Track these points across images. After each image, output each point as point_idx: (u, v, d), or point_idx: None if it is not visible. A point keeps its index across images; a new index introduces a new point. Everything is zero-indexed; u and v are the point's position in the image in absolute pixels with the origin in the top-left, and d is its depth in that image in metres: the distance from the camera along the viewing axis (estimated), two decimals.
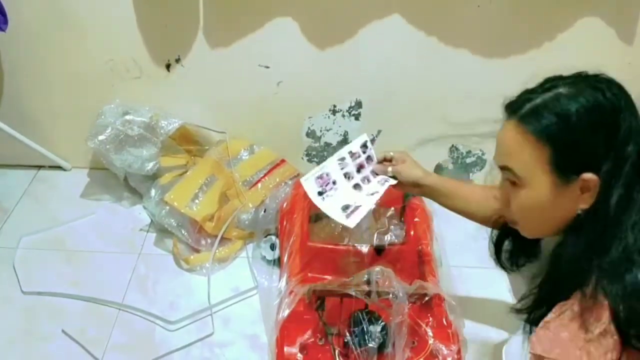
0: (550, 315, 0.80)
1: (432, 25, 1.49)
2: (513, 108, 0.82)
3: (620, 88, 0.79)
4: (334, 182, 1.12)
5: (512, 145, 0.82)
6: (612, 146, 0.75)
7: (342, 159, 1.14)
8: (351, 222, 1.07)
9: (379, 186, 1.13)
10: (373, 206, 1.11)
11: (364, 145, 1.17)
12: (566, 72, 0.82)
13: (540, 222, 0.85)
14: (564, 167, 0.78)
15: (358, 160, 1.16)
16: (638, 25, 1.48)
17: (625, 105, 0.77)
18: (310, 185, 1.10)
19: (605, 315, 0.74)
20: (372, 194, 1.12)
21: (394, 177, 1.14)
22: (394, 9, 1.46)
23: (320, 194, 1.10)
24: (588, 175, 0.76)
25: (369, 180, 1.15)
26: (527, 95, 0.81)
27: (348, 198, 1.11)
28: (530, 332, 0.86)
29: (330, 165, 1.14)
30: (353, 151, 1.16)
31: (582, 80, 0.80)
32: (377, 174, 1.16)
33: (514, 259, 1.02)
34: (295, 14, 1.49)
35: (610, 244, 0.76)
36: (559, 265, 0.82)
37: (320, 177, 1.11)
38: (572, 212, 0.80)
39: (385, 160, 1.16)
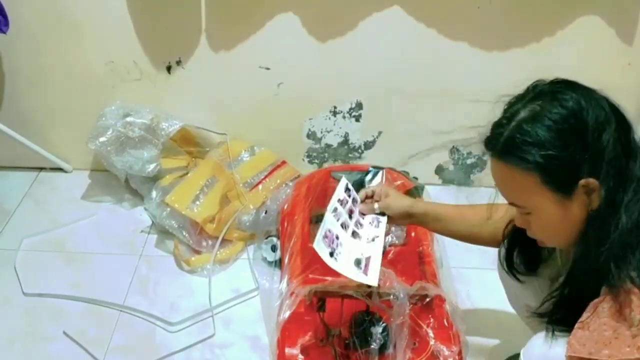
0: (585, 315, 0.78)
1: (432, 19, 1.49)
2: (490, 145, 0.83)
3: (573, 86, 0.79)
4: (337, 237, 1.05)
5: (503, 182, 0.84)
6: (588, 144, 0.76)
7: (335, 209, 1.08)
8: (373, 280, 1.01)
9: (374, 229, 1.09)
10: (381, 254, 1.06)
11: (347, 189, 1.13)
12: (550, 77, 0.82)
13: (563, 235, 0.84)
14: (557, 184, 0.78)
15: (347, 206, 1.11)
16: (638, 25, 1.48)
17: (585, 100, 0.77)
18: (321, 250, 1.01)
19: None
20: (373, 240, 1.08)
21: (382, 214, 1.11)
22: (394, 1, 1.46)
23: (331, 255, 1.02)
24: (584, 180, 0.76)
25: (361, 224, 1.11)
26: (498, 129, 0.81)
27: (354, 251, 1.06)
28: (552, 334, 0.85)
29: (329, 220, 1.06)
30: (340, 198, 1.10)
31: (539, 95, 0.79)
32: (364, 215, 1.12)
33: (528, 265, 1.01)
34: (296, 8, 1.49)
35: (613, 232, 0.76)
36: (578, 265, 0.83)
37: (325, 235, 1.03)
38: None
39: (367, 197, 1.13)
